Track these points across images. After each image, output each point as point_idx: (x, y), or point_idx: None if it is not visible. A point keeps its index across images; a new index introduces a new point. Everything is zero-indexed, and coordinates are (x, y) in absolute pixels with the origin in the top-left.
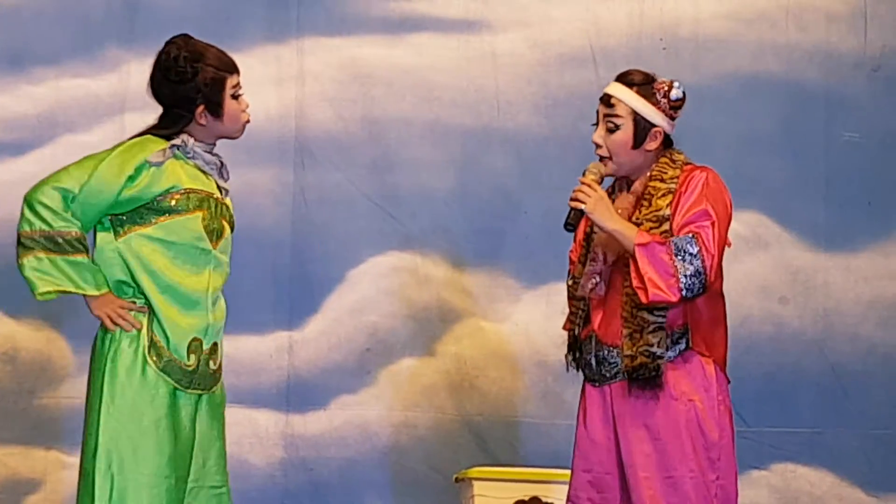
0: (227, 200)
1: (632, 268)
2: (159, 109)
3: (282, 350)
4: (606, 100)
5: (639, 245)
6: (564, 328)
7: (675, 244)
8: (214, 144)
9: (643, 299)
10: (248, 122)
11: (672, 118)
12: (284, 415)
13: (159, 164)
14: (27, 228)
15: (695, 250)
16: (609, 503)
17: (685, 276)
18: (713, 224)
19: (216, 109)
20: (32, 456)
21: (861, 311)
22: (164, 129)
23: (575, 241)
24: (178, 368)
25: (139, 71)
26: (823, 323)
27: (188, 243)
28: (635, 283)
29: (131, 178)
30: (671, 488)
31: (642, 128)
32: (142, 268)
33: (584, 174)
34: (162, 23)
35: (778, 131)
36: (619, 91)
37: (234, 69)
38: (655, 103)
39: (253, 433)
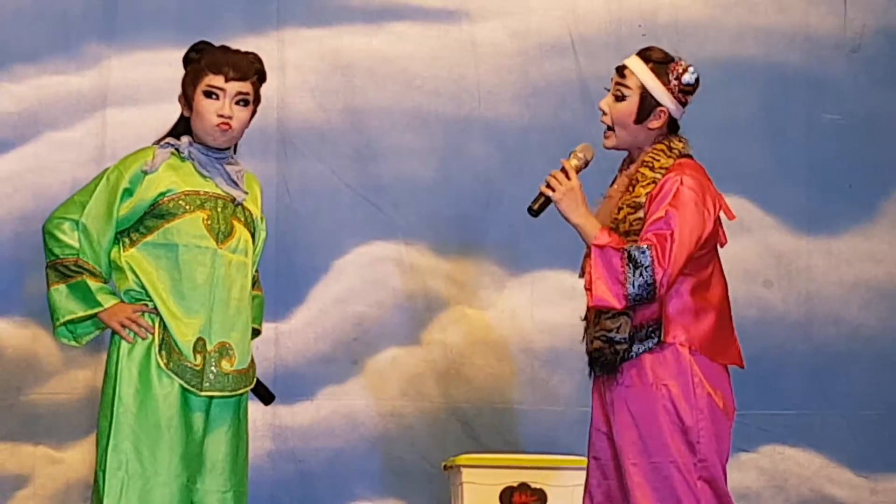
0: (251, 205)
1: (585, 267)
2: (141, 104)
3: (268, 341)
4: (620, 69)
5: (595, 246)
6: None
7: (629, 253)
8: (221, 150)
9: (588, 302)
10: (222, 128)
11: (681, 102)
12: (272, 406)
13: (153, 170)
14: (46, 260)
15: (647, 262)
16: (612, 490)
17: (633, 285)
18: (671, 235)
19: (188, 101)
20: (20, 452)
21: (843, 293)
22: (170, 131)
23: None
24: (186, 369)
25: (120, 66)
26: (807, 306)
27: (189, 244)
28: (585, 283)
29: (128, 192)
30: (655, 474)
31: (648, 104)
32: (148, 275)
33: (569, 156)
34: (142, 17)
35: (759, 115)
36: (634, 63)
37: (218, 70)
38: (666, 83)
39: None
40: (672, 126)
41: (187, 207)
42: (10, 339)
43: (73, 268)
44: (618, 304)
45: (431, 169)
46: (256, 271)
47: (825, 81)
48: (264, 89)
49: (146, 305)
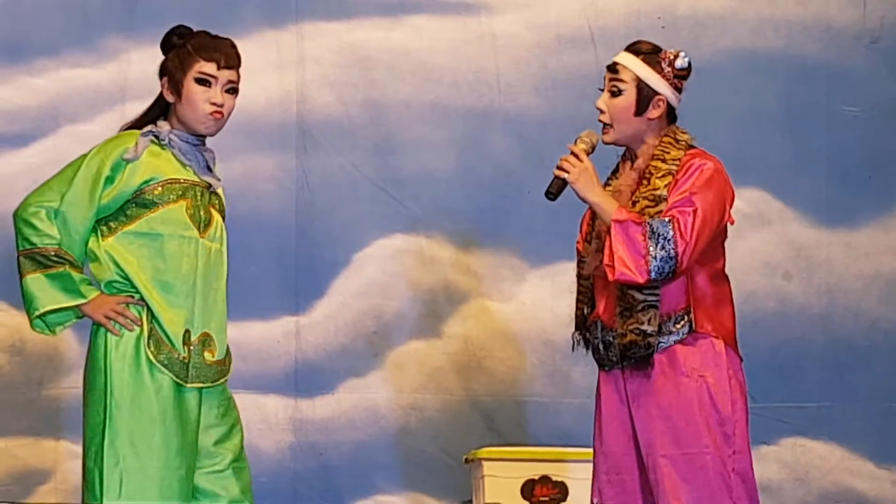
0: (220, 191)
1: (605, 243)
2: None
3: (289, 335)
4: (612, 66)
5: (615, 221)
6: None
7: (651, 226)
8: (200, 139)
9: (609, 276)
10: (215, 116)
11: (677, 89)
12: (293, 400)
13: (135, 159)
14: (18, 248)
15: (669, 234)
16: (627, 484)
17: (655, 258)
18: (695, 212)
19: (175, 86)
20: (42, 446)
21: (863, 286)
22: (144, 115)
23: (581, 231)
24: (175, 360)
25: (139, 60)
26: (827, 298)
27: (174, 234)
28: (606, 259)
29: (109, 179)
30: (688, 465)
31: (645, 95)
32: (131, 266)
33: (575, 142)
34: (161, 10)
35: (778, 107)
36: (625, 58)
37: (210, 58)
38: (660, 71)
39: (262, 419)
40: (670, 115)
41: (171, 196)
42: (31, 333)
43: (53, 258)
44: (640, 278)
45: (451, 162)
46: None
47: (845, 73)
48: (283, 83)
49: (132, 297)
